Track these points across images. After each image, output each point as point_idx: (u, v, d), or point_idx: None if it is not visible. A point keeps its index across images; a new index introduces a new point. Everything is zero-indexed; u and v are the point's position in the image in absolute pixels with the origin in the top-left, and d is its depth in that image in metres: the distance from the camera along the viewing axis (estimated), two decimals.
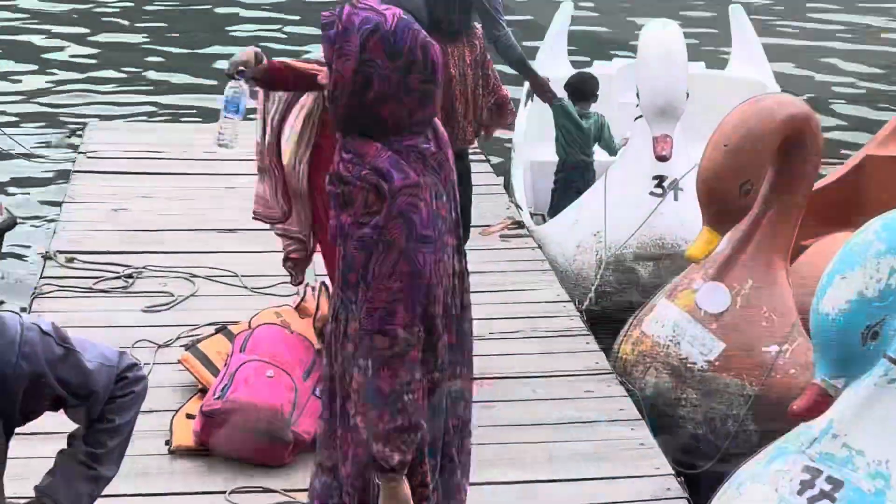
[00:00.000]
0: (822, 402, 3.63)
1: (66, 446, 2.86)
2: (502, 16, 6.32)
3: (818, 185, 6.18)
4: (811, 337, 3.73)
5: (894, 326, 3.57)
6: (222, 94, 4.62)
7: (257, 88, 4.80)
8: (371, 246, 3.10)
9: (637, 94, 6.99)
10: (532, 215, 7.98)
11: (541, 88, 7.11)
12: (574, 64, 9.47)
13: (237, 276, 6.56)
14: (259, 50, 4.64)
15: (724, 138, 5.41)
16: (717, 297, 5.63)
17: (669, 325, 5.71)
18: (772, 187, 5.62)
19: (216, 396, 4.88)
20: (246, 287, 6.45)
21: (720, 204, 5.41)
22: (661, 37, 7.00)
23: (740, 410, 5.47)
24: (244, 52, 4.58)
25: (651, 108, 6.82)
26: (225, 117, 4.61)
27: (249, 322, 5.40)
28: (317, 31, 3.42)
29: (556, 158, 8.03)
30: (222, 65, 4.66)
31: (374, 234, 3.10)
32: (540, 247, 7.31)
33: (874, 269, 3.55)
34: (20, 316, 2.70)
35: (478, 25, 5.96)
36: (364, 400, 3.14)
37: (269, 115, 4.99)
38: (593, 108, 8.01)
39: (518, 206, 7.86)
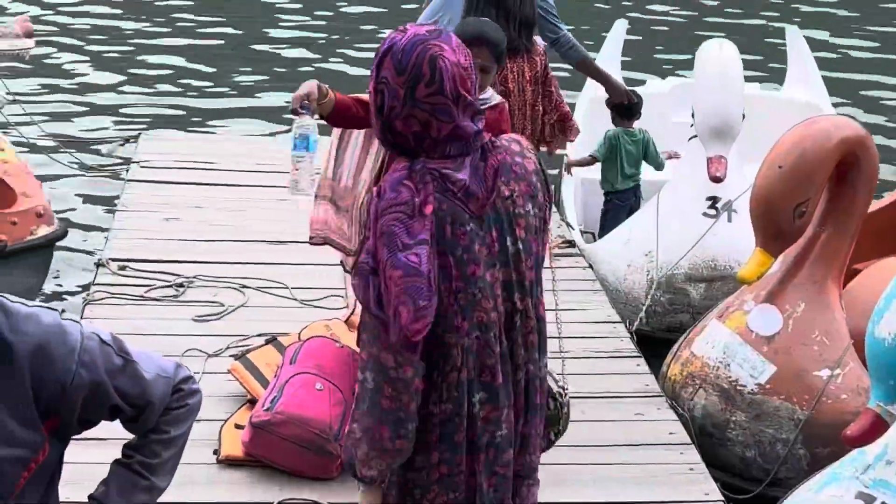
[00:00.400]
0: (877, 427, 3.59)
1: (120, 455, 2.88)
2: (557, 18, 6.25)
3: (873, 207, 6.13)
4: (866, 362, 3.70)
5: None
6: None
7: (322, 121, 4.50)
8: (368, 273, 3.04)
9: (692, 115, 6.96)
10: (582, 233, 7.94)
11: (614, 90, 6.93)
12: (628, 82, 9.44)
13: (287, 287, 6.58)
14: (321, 83, 4.40)
15: (779, 160, 5.39)
16: (768, 320, 5.59)
17: (720, 346, 5.67)
18: (826, 210, 5.58)
19: (265, 408, 4.89)
20: (296, 299, 6.46)
21: (774, 226, 5.38)
22: (717, 57, 6.97)
23: (790, 434, 5.42)
24: (306, 85, 4.35)
25: (706, 128, 6.79)
26: (296, 158, 4.32)
27: (300, 334, 5.42)
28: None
29: None
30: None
31: (368, 261, 3.05)
32: (590, 266, 7.27)
33: None
34: (81, 325, 2.72)
35: (539, 42, 5.92)
36: (365, 408, 3.08)
37: (340, 161, 4.94)
38: (636, 124, 7.96)
39: (569, 225, 7.82)
